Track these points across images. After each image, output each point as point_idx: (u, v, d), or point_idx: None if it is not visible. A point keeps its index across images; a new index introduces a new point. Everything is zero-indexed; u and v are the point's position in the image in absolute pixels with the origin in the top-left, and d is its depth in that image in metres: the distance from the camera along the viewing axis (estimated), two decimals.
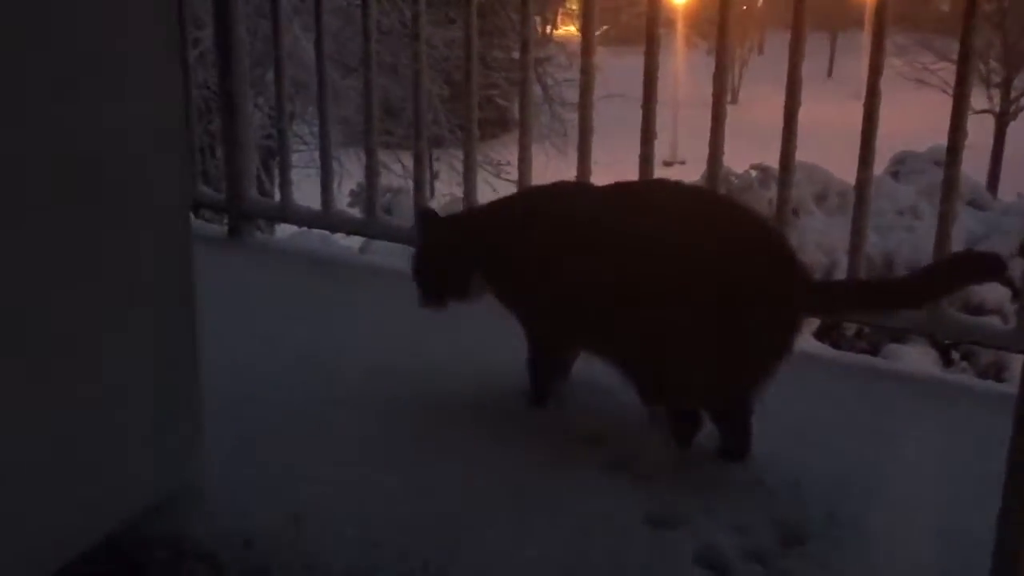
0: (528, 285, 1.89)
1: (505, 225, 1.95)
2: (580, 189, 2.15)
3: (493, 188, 10.36)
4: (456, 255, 1.96)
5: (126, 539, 1.63)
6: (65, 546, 1.51)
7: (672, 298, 1.68)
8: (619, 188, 1.89)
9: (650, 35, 2.38)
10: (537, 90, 11.90)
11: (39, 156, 1.40)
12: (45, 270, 1.42)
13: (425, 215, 2.16)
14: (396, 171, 9.82)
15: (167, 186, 1.61)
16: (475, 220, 2.11)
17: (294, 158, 8.59)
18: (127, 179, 1.53)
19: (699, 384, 1.75)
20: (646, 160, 2.45)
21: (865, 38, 2.50)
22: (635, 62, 2.42)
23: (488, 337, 2.16)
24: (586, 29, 2.53)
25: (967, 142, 2.16)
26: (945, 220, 2.15)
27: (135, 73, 1.53)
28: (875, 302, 1.94)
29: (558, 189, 2.02)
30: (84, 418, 1.50)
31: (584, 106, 2.54)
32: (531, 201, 2.07)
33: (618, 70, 8.99)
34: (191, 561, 1.59)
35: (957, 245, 6.08)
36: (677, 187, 1.88)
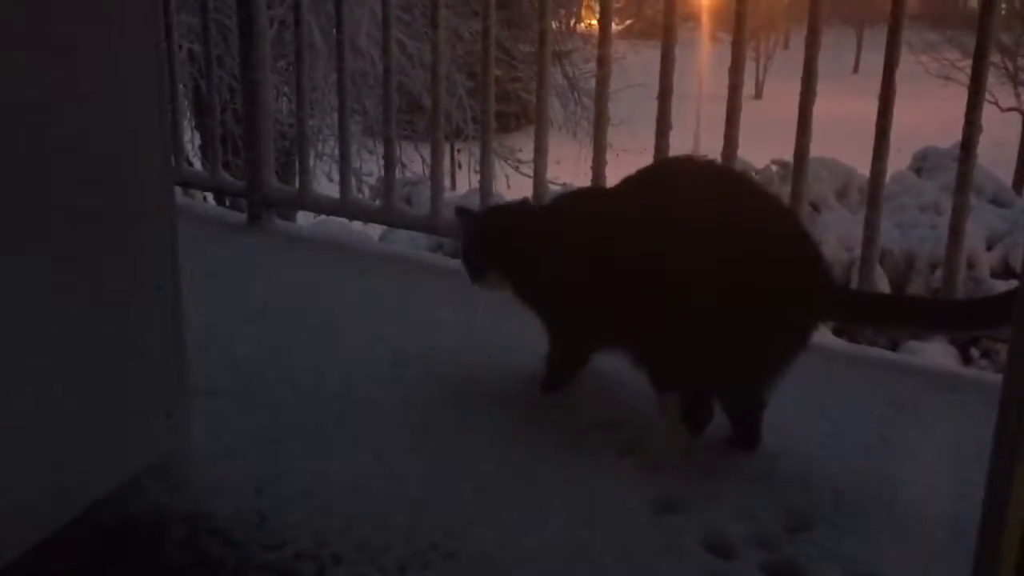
0: (557, 287, 1.91)
1: (528, 232, 1.97)
2: (601, 191, 2.19)
3: (507, 183, 10.37)
4: (482, 250, 2.01)
5: (143, 516, 1.67)
6: (56, 508, 1.57)
7: (693, 286, 1.69)
8: (641, 177, 1.88)
9: (667, 27, 2.40)
10: (563, 81, 11.87)
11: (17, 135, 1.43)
12: (20, 246, 1.45)
13: (460, 212, 2.13)
14: (415, 167, 9.86)
15: (148, 162, 1.65)
16: (502, 222, 2.08)
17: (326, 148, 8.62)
18: (106, 155, 1.57)
19: (712, 372, 1.77)
20: (661, 152, 2.46)
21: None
22: (658, 55, 2.43)
23: (502, 322, 2.18)
24: (603, 21, 2.54)
25: (994, 140, 2.15)
26: (959, 214, 2.15)
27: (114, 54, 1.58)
28: (900, 321, 1.92)
29: (580, 192, 2.10)
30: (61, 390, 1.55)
31: (600, 97, 2.56)
32: (555, 207, 2.08)
33: (642, 63, 9.00)
34: (206, 537, 1.62)
35: (978, 242, 6.04)
36: (703, 169, 1.87)
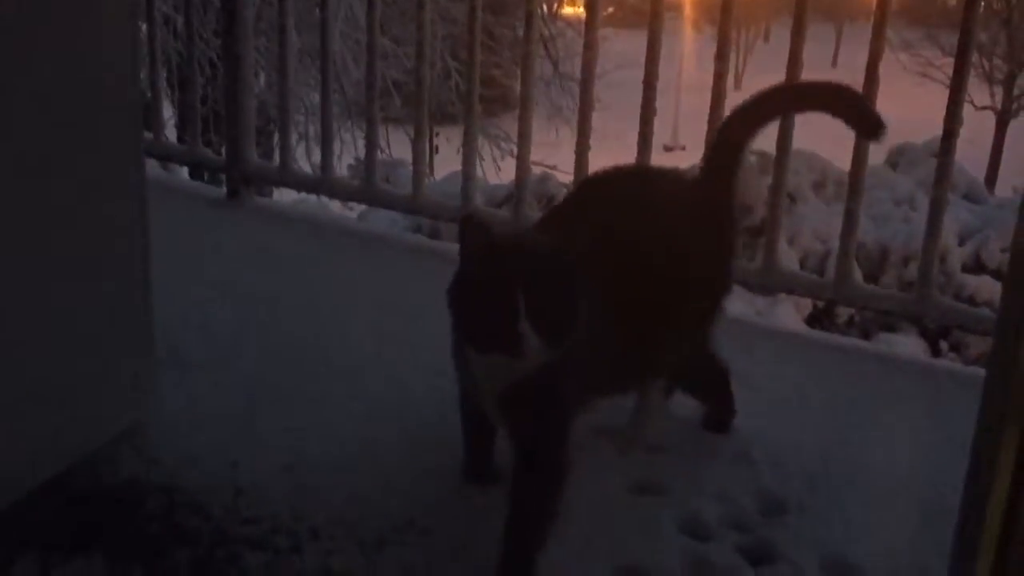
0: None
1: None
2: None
3: (498, 174, 10.35)
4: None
5: (117, 487, 1.67)
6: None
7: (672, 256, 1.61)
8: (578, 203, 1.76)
9: (653, 15, 2.39)
10: (548, 67, 11.82)
11: None
12: None
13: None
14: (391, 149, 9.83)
15: (117, 131, 1.66)
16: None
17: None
18: (75, 122, 1.57)
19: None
20: (644, 139, 2.47)
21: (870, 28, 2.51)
22: (640, 43, 2.44)
23: None
24: (590, 5, 2.53)
25: (968, 137, 2.17)
26: (937, 205, 2.17)
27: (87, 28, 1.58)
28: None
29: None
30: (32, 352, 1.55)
31: (586, 82, 2.56)
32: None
33: (620, 49, 9.02)
34: (182, 510, 1.62)
35: (951, 236, 6.11)
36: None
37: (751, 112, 1.76)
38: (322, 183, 3.02)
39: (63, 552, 1.51)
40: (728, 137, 1.77)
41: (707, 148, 1.81)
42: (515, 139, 2.66)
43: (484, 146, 10.50)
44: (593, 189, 1.79)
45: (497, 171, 10.20)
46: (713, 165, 1.77)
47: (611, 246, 1.51)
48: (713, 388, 1.85)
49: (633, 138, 2.48)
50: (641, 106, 2.47)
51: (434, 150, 12.25)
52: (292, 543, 1.55)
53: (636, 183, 1.77)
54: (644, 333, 1.56)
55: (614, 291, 1.48)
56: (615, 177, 1.75)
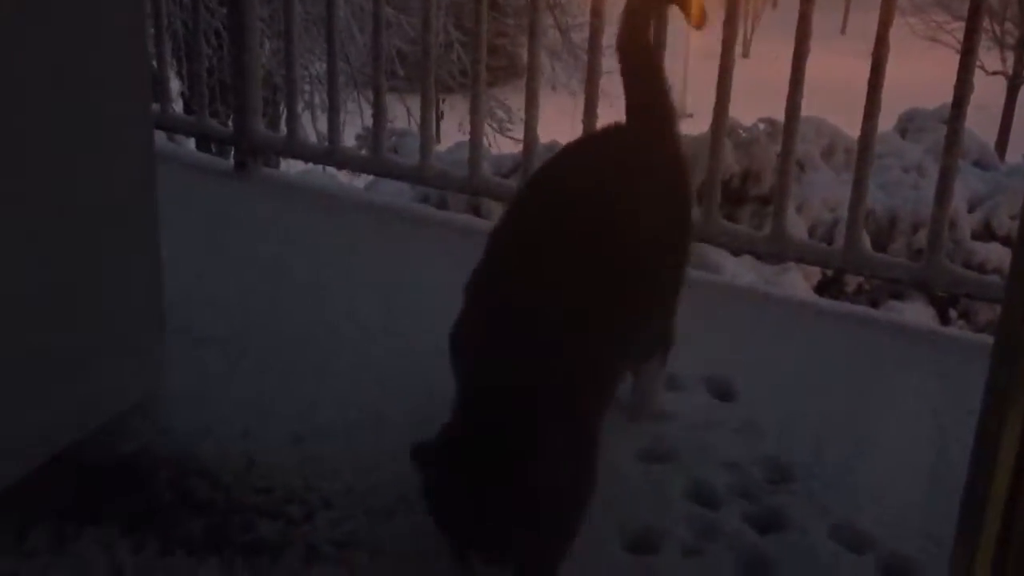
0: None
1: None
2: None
3: (497, 146, 10.31)
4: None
5: (130, 456, 1.69)
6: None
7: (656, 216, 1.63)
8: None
9: None
10: (553, 35, 11.69)
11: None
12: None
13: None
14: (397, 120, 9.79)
15: (125, 103, 1.66)
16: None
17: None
18: (83, 95, 1.57)
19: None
20: None
21: None
22: None
23: None
24: None
25: (978, 103, 2.14)
26: (947, 174, 2.16)
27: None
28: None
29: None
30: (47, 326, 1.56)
31: (593, 49, 2.54)
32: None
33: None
34: (195, 479, 1.63)
35: (960, 203, 6.07)
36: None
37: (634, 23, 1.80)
38: (330, 154, 3.01)
39: (77, 522, 1.53)
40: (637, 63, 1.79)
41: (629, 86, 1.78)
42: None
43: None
44: (553, 170, 1.76)
45: (491, 146, 10.16)
46: (641, 104, 1.76)
47: (580, 228, 1.52)
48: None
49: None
50: None
51: (440, 116, 12.18)
52: (304, 512, 1.57)
53: (582, 162, 1.74)
54: (628, 307, 1.53)
55: (597, 279, 1.48)
56: (563, 163, 1.75)
